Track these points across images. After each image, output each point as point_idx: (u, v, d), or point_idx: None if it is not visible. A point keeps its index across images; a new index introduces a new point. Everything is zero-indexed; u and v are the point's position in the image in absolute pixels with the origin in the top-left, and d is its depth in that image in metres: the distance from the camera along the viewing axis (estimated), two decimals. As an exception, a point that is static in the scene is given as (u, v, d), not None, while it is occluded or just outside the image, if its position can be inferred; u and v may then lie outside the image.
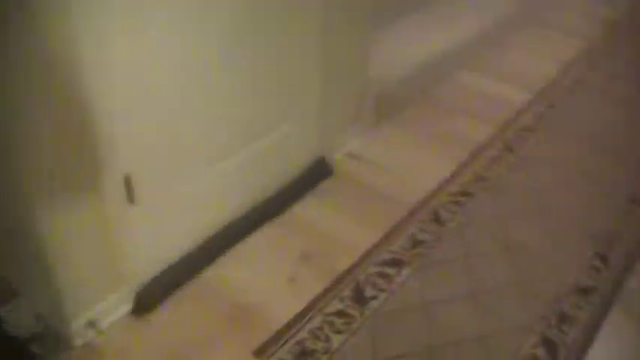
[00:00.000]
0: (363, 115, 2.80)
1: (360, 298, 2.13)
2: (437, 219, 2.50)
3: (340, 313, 2.07)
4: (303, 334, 1.99)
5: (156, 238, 1.98)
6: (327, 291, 2.14)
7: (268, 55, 2.09)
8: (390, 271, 2.25)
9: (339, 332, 2.01)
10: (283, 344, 1.95)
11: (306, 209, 2.48)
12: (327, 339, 1.98)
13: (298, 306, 2.07)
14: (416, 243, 2.38)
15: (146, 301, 2.00)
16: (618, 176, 2.80)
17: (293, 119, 2.38)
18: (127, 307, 2.00)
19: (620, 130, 3.13)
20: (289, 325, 2.01)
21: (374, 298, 2.14)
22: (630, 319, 2.19)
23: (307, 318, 2.04)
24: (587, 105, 3.32)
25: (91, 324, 1.87)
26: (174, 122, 1.85)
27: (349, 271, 2.23)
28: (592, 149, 2.95)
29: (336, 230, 2.39)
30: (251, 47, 1.99)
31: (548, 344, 2.05)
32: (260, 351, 1.92)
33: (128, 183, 1.77)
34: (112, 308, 1.95)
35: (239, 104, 2.08)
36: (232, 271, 2.19)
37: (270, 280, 2.16)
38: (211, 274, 2.17)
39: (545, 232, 2.48)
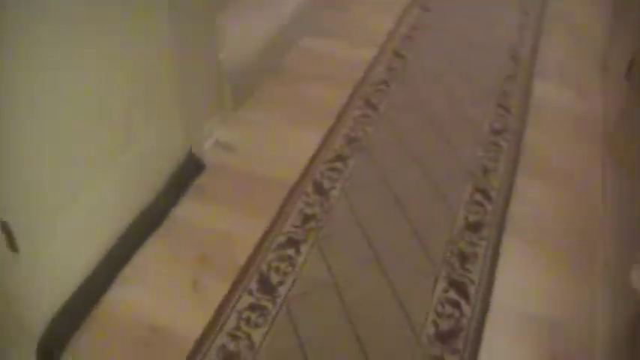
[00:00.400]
0: (223, 100, 2.72)
1: (268, 287, 2.08)
2: (320, 190, 2.48)
3: (253, 307, 2.01)
4: (222, 339, 1.91)
5: (46, 279, 1.82)
6: (233, 289, 2.07)
7: (120, 58, 1.96)
8: (288, 252, 2.21)
9: (257, 326, 1.95)
10: (205, 354, 1.86)
11: (187, 210, 2.38)
12: (248, 336, 1.92)
13: (209, 312, 1.99)
14: (306, 218, 2.35)
15: (50, 349, 1.84)
16: (476, 115, 2.91)
17: (155, 122, 2.26)
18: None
19: (463, 65, 3.24)
20: (205, 334, 1.92)
21: (281, 283, 2.10)
22: (523, 242, 2.28)
23: (221, 321, 1.96)
24: (430, 46, 3.41)
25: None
26: (37, 157, 1.69)
27: (250, 263, 2.16)
28: (446, 89, 3.05)
29: (224, 225, 2.31)
30: (101, 49, 1.85)
31: (458, 286, 2.10)
32: (183, 367, 1.83)
33: (7, 231, 1.60)
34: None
35: (101, 119, 1.93)
36: (132, 293, 2.06)
37: (172, 292, 2.06)
38: (111, 301, 2.03)
39: (424, 178, 2.54)
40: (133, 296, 2.04)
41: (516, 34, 3.60)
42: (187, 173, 2.49)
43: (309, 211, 2.39)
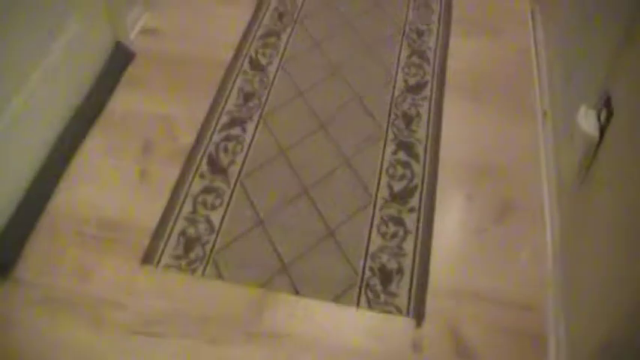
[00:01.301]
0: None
1: (219, 168, 2.06)
2: (257, 66, 2.43)
3: (208, 190, 2.00)
4: (181, 224, 1.90)
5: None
6: (183, 173, 2.04)
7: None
8: (234, 131, 2.18)
9: (214, 208, 1.94)
10: (167, 242, 1.85)
11: (123, 101, 2.29)
12: (207, 219, 1.91)
13: (162, 200, 1.96)
14: (247, 96, 2.31)
15: (3, 260, 1.79)
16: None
17: (77, 12, 2.13)
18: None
19: None
20: (163, 221, 1.90)
21: (232, 162, 2.08)
22: (464, 98, 2.31)
23: (177, 207, 1.94)
24: None
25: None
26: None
27: (197, 146, 2.13)
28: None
29: (164, 110, 2.25)
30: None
31: (406, 147, 2.13)
32: (147, 258, 1.82)
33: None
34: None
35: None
36: (79, 192, 2.00)
37: (121, 185, 2.01)
38: (59, 203, 1.96)
39: (360, 44, 2.51)
40: (81, 195, 1.98)
41: None
42: (117, 63, 2.39)
43: (248, 88, 2.34)
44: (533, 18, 2.60)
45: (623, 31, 1.48)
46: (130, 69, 2.41)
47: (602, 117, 1.54)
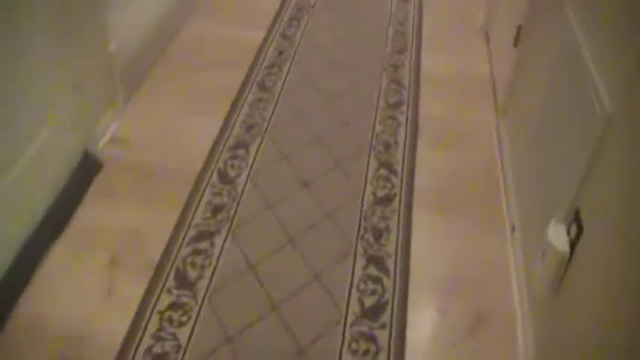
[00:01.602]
0: (115, 94, 2.60)
1: (186, 283, 2.01)
2: (225, 178, 2.43)
3: (174, 306, 1.94)
4: (147, 341, 1.83)
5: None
6: (150, 289, 1.99)
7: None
8: (203, 245, 2.15)
9: (182, 325, 1.89)
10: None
11: (91, 212, 2.26)
12: (174, 336, 1.85)
13: (128, 316, 1.90)
14: (216, 209, 2.30)
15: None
16: (370, 90, 2.93)
17: (47, 121, 2.13)
18: None
19: (352, 42, 3.26)
20: (129, 339, 1.84)
21: (200, 277, 2.04)
22: (433, 211, 2.33)
23: (143, 324, 1.88)
24: (317, 25, 3.40)
25: None
26: None
27: (164, 260, 2.09)
28: (337, 68, 3.05)
29: (131, 222, 2.22)
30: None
31: (376, 261, 2.12)
32: (109, 377, 1.74)
33: None
34: None
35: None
36: (42, 307, 1.93)
37: (86, 301, 1.95)
38: (20, 317, 1.89)
39: (327, 157, 2.54)
40: (43, 309, 1.92)
41: (401, 7, 3.65)
42: (85, 172, 2.37)
43: (217, 201, 2.33)
44: (498, 132, 2.67)
45: (591, 149, 1.52)
46: (99, 178, 2.39)
47: (572, 231, 1.56)
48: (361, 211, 2.30)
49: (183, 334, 1.86)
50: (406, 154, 2.58)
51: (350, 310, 1.95)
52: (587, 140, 1.55)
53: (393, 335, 1.88)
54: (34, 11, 1.97)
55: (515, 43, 2.63)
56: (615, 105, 1.45)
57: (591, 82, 1.59)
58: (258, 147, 2.58)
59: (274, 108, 2.78)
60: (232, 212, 2.28)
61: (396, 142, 2.64)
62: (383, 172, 2.50)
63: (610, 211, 1.39)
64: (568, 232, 1.59)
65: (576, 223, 1.55)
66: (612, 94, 1.48)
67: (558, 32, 2.00)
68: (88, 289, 1.98)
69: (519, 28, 2.59)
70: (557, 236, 1.59)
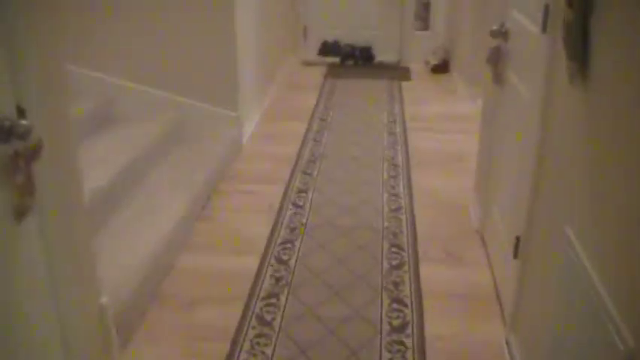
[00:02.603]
0: (108, 346, 2.47)
1: None
2: None
3: None
4: None
5: None
6: None
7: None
8: None
9: None
10: None
11: None
12: None
13: None
14: None
15: None
16: (373, 315, 2.83)
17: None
18: None
19: (348, 265, 3.20)
20: None
21: None
22: None
23: None
24: (312, 250, 3.36)
25: None
26: None
27: None
28: (335, 292, 2.97)
29: None
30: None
31: None
32: None
33: None
34: None
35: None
36: None
37: None
38: None
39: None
40: None
41: (393, 217, 3.65)
42: None
43: None
44: (509, 348, 2.54)
45: None
46: None
47: None
48: None
49: None
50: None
51: None
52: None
53: None
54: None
55: (515, 254, 2.58)
56: (637, 340, 1.35)
57: (607, 314, 1.50)
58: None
59: (275, 342, 2.65)
60: None
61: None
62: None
63: None
64: None
65: None
66: (633, 327, 1.38)
67: (562, 252, 1.94)
68: None
69: (517, 239, 2.55)
70: None
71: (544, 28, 2.21)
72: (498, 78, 3.00)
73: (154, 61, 4.37)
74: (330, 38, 7.18)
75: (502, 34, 2.90)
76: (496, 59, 2.98)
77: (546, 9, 2.18)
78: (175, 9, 4.28)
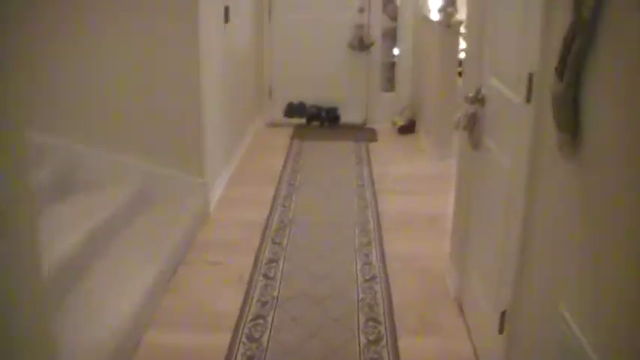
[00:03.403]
0: None
1: None
2: None
3: None
4: None
5: None
6: None
7: None
8: None
9: None
10: None
11: None
12: None
13: None
14: None
15: None
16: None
17: None
18: None
19: (323, 343, 3.06)
20: None
21: None
22: None
23: None
24: (285, 321, 3.21)
25: None
26: None
27: None
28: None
29: None
30: None
31: None
32: None
33: None
34: None
35: None
36: None
37: None
38: None
39: None
40: None
41: (367, 287, 3.52)
42: None
43: None
44: None
45: None
46: None
47: None
48: None
49: None
50: None
51: None
52: None
53: None
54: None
55: (501, 330, 2.46)
56: None
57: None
58: None
59: None
60: None
61: None
62: None
63: None
64: None
65: None
66: None
67: (555, 330, 1.84)
68: None
69: (503, 314, 2.44)
70: None
71: (528, 98, 2.14)
72: (475, 144, 2.94)
73: (118, 125, 4.24)
74: (295, 99, 7.13)
75: (478, 100, 2.84)
76: (472, 126, 2.91)
77: (530, 78, 2.11)
78: (140, 71, 4.18)
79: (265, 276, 3.66)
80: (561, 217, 1.89)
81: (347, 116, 7.12)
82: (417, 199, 4.93)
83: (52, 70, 4.12)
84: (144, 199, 4.13)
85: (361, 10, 6.86)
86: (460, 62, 6.09)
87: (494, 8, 2.74)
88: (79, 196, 3.83)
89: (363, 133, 6.87)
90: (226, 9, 5.04)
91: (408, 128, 6.82)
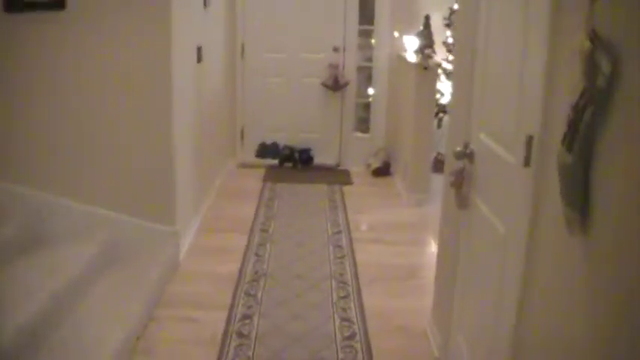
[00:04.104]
0: None
1: None
2: None
3: None
4: None
5: None
6: None
7: None
8: None
9: None
10: None
11: None
12: None
13: None
14: None
15: None
16: None
17: None
18: None
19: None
20: None
21: None
22: None
23: None
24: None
25: None
26: None
27: None
28: None
29: None
30: None
31: None
32: None
33: None
34: None
35: None
36: None
37: None
38: None
39: None
40: None
41: (347, 346, 3.35)
42: None
43: None
44: None
45: None
46: None
47: None
48: None
49: None
50: None
51: None
52: None
53: None
54: None
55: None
56: None
57: None
58: None
59: None
60: None
61: None
62: None
63: None
64: None
65: None
66: None
67: None
68: None
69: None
70: None
71: (527, 162, 2.01)
72: (462, 203, 2.80)
73: (85, 174, 4.04)
74: (268, 140, 6.98)
75: (467, 155, 2.71)
76: (460, 182, 2.78)
77: (529, 141, 1.98)
78: (107, 116, 4.00)
79: (239, 334, 3.46)
80: (566, 293, 1.75)
81: (320, 157, 6.98)
82: (395, 249, 4.78)
83: (21, 117, 3.93)
84: (113, 251, 3.92)
85: (336, 50, 6.76)
86: (437, 105, 6.03)
87: (485, 55, 2.59)
88: (44, 252, 3.61)
89: (337, 175, 6.73)
90: (199, 49, 4.90)
91: (382, 171, 6.70)
